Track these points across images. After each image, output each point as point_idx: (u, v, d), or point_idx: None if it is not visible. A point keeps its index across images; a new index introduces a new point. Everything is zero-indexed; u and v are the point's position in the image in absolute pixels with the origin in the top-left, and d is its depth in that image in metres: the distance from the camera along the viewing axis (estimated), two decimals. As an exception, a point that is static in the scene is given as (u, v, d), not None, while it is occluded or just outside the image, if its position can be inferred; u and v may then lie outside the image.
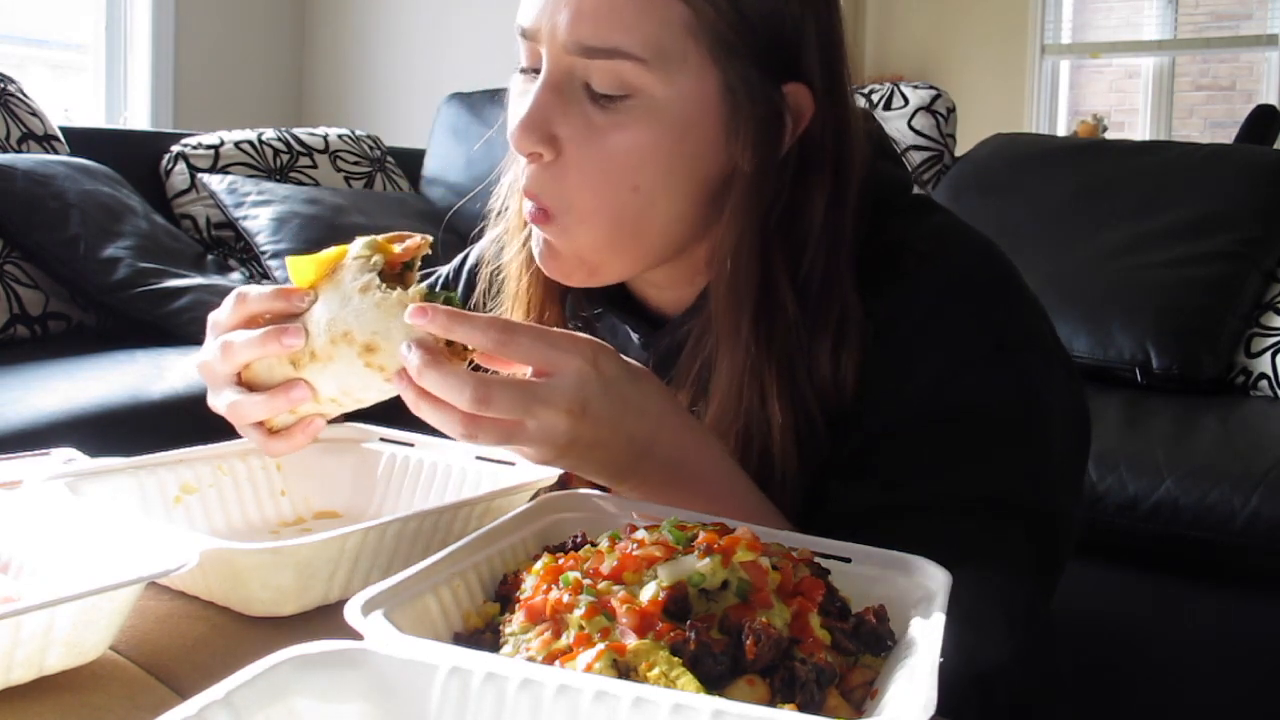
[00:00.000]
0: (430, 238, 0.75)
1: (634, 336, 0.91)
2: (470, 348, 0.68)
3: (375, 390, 0.72)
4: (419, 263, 0.76)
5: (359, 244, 0.73)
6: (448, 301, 0.72)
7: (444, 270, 1.10)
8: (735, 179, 0.77)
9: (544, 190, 0.76)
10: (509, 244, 0.91)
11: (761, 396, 0.77)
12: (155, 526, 0.70)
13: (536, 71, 0.76)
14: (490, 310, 0.93)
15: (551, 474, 0.81)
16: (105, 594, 0.57)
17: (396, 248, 0.74)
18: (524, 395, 0.64)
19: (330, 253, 0.73)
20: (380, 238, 0.74)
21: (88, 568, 0.63)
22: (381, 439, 0.91)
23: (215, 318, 0.75)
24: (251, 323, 0.73)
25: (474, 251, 1.06)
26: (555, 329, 0.67)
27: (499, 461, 0.85)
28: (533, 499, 0.70)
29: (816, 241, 0.77)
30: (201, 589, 0.70)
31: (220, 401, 0.74)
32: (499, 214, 0.93)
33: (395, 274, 0.74)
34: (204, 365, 0.75)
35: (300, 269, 0.72)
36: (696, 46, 0.73)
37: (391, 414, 0.84)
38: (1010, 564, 0.75)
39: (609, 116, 0.73)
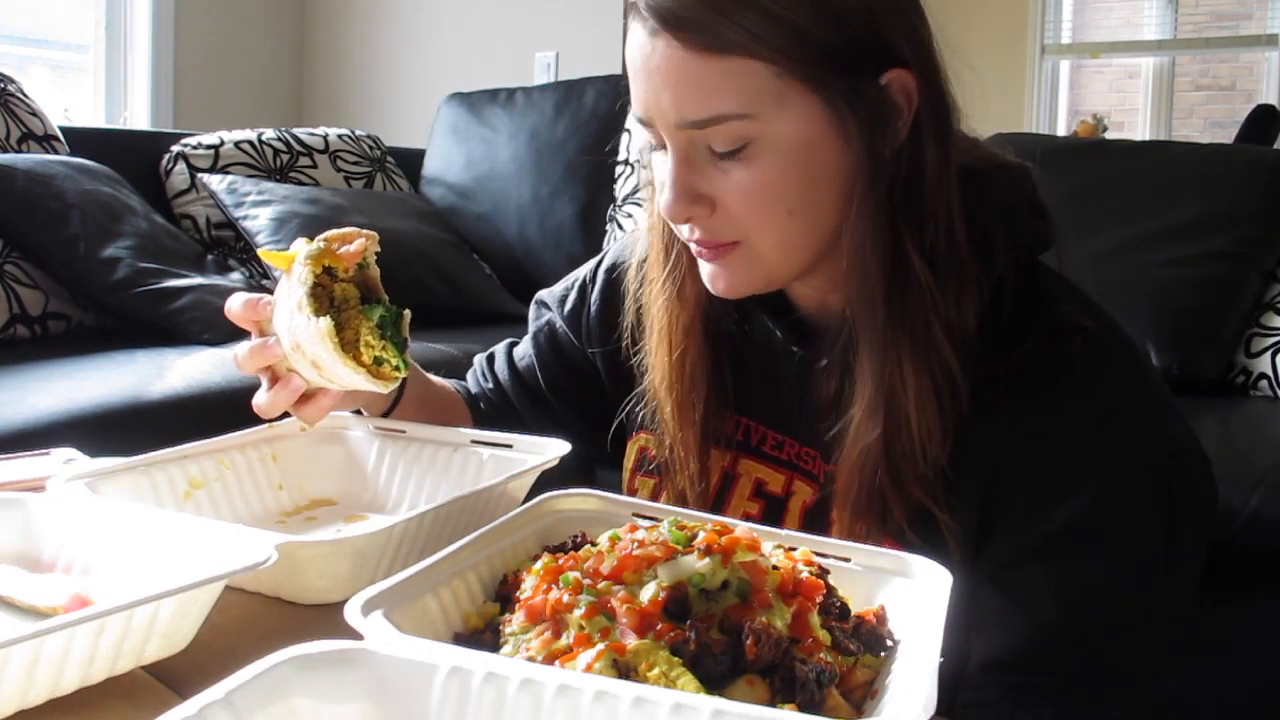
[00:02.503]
0: (375, 235, 0.83)
1: (783, 340, 0.93)
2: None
3: (344, 383, 0.81)
4: (371, 260, 0.83)
5: (303, 252, 0.80)
6: (386, 317, 0.81)
7: (581, 272, 1.11)
8: (857, 172, 0.82)
9: (720, 232, 0.83)
10: (653, 282, 0.95)
11: (899, 363, 0.81)
12: (228, 526, 0.74)
13: (665, 146, 0.83)
14: (637, 351, 0.98)
15: (552, 459, 0.84)
16: (202, 587, 0.59)
17: (345, 248, 0.82)
18: None
19: (289, 254, 0.81)
20: (327, 238, 0.82)
21: (168, 565, 0.65)
22: (374, 427, 0.93)
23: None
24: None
25: (610, 254, 1.09)
26: None
27: (495, 445, 0.88)
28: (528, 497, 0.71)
29: (933, 206, 0.82)
30: (250, 581, 0.72)
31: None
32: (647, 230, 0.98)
33: (351, 275, 0.82)
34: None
35: (268, 259, 0.83)
36: (788, 85, 0.78)
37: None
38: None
39: (739, 165, 0.80)
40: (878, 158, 0.80)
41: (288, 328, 0.79)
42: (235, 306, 0.85)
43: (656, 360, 0.94)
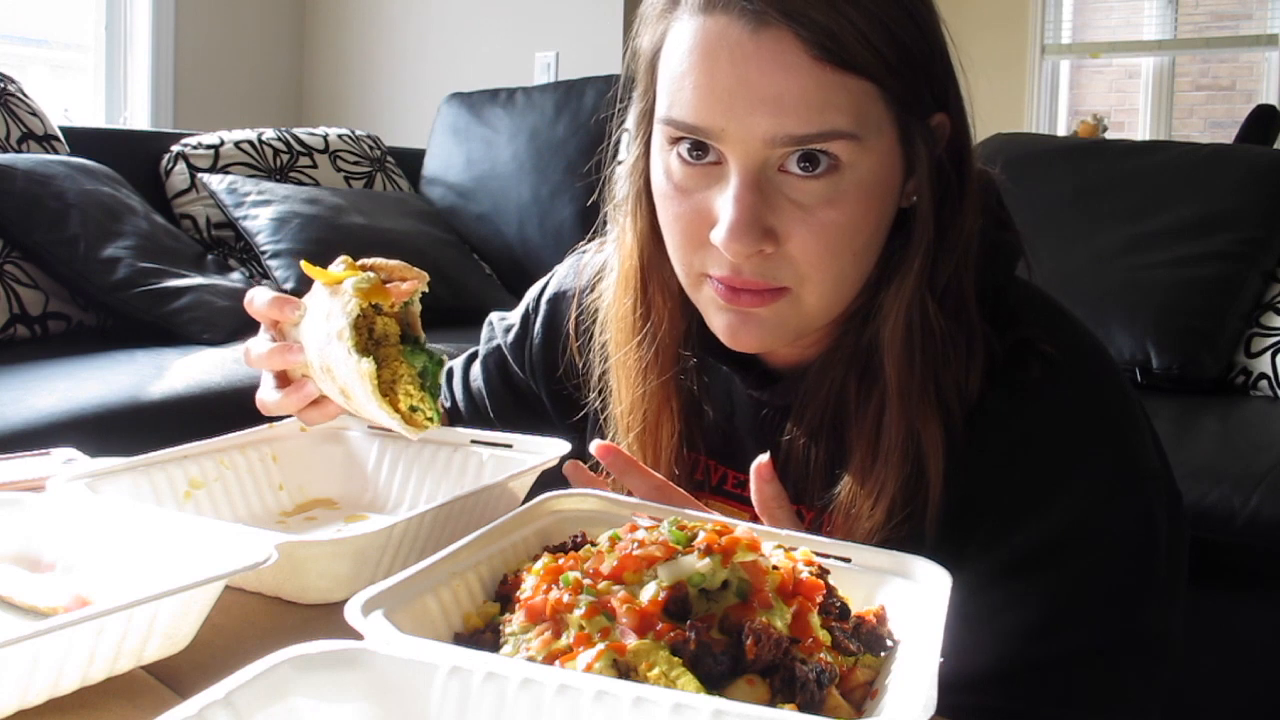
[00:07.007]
0: (425, 276, 0.81)
1: (740, 383, 0.89)
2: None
3: (372, 419, 0.80)
4: (416, 299, 0.81)
5: (351, 283, 0.78)
6: (429, 367, 0.80)
7: (527, 299, 1.08)
8: (914, 218, 0.76)
9: (776, 273, 0.74)
10: (621, 345, 0.89)
11: (923, 420, 0.76)
12: (228, 526, 0.73)
13: (693, 150, 0.74)
14: (603, 417, 0.93)
15: (552, 459, 0.84)
16: (202, 587, 0.59)
17: (395, 284, 0.80)
18: None
19: (338, 274, 0.79)
20: (376, 268, 0.81)
21: (167, 565, 0.65)
22: (370, 427, 0.93)
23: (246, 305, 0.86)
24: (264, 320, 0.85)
25: (554, 283, 1.05)
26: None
27: (495, 444, 0.89)
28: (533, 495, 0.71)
29: (957, 257, 0.77)
30: (251, 580, 0.72)
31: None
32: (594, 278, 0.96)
33: (395, 311, 0.80)
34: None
35: (311, 273, 0.81)
36: (886, 112, 0.73)
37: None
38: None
39: (817, 193, 0.72)
40: (938, 200, 0.75)
41: (320, 348, 0.78)
42: (260, 303, 0.83)
43: (629, 421, 0.89)
